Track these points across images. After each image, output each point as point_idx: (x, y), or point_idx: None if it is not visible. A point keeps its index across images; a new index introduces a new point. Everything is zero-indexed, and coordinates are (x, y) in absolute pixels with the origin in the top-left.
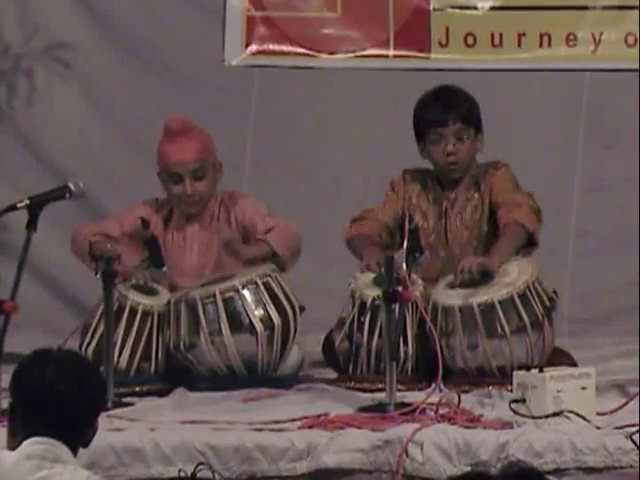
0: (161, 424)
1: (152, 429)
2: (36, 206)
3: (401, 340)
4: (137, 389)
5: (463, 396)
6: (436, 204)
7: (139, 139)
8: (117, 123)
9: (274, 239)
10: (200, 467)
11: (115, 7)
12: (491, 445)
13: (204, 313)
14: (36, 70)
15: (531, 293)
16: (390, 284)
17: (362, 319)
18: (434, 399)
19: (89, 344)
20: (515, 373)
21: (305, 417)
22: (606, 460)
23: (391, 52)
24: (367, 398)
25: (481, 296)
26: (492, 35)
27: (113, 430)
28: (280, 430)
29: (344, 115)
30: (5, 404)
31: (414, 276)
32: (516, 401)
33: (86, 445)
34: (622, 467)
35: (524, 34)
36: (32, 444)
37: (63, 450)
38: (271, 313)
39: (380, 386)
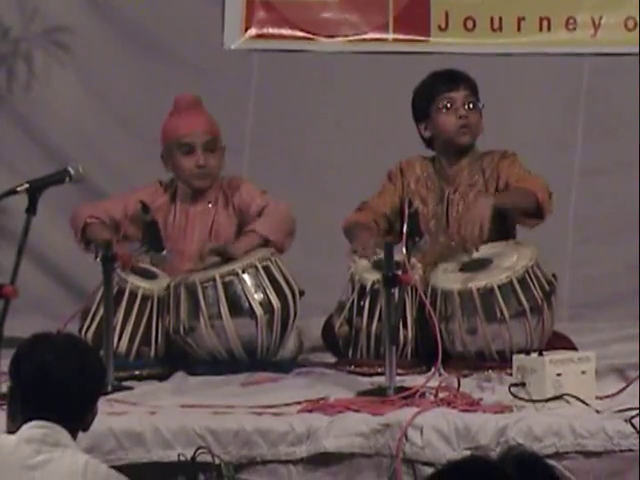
0: (161, 408)
1: (152, 413)
2: (35, 190)
3: (400, 324)
4: (137, 373)
5: (463, 380)
6: (437, 189)
7: (138, 123)
8: (116, 107)
9: (263, 227)
10: (200, 451)
11: None
12: (491, 429)
13: (204, 297)
14: (35, 54)
15: (530, 278)
16: (389, 268)
17: (362, 303)
18: (434, 383)
19: (89, 328)
20: (515, 357)
21: (305, 401)
22: (605, 444)
23: (390, 36)
24: (367, 382)
25: (480, 280)
26: (492, 19)
27: (113, 414)
28: (280, 414)
29: (343, 99)
30: (5, 388)
31: (413, 260)
32: (516, 385)
33: (86, 429)
34: (621, 451)
35: (524, 18)
36: (31, 428)
37: (62, 434)
38: (271, 297)
39: (380, 370)
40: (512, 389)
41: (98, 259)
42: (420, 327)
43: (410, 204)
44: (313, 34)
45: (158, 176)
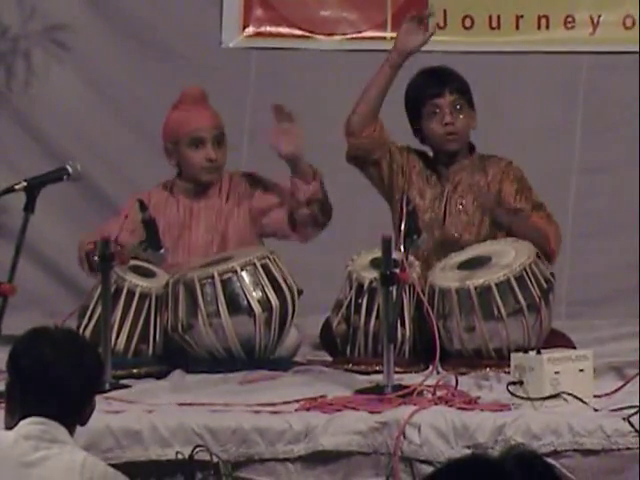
0: (159, 406)
1: (150, 411)
2: (33, 188)
3: (398, 322)
4: (134, 371)
5: (460, 378)
6: (436, 185)
7: (137, 121)
8: (115, 105)
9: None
10: (198, 449)
11: None
12: (488, 427)
13: (202, 294)
14: (34, 52)
15: (528, 276)
16: (387, 266)
17: (359, 301)
18: (431, 381)
19: (86, 326)
20: (512, 355)
21: (303, 399)
22: (603, 442)
23: (388, 34)
24: (364, 380)
25: (478, 278)
26: (490, 17)
27: (111, 412)
28: (278, 412)
29: (341, 97)
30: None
31: (411, 258)
32: (513, 383)
33: (83, 423)
34: (619, 449)
35: (522, 16)
36: (29, 424)
37: (60, 431)
38: (269, 295)
39: (377, 368)
40: (510, 387)
41: (96, 257)
42: (418, 325)
43: (408, 202)
44: (311, 32)
45: (158, 173)
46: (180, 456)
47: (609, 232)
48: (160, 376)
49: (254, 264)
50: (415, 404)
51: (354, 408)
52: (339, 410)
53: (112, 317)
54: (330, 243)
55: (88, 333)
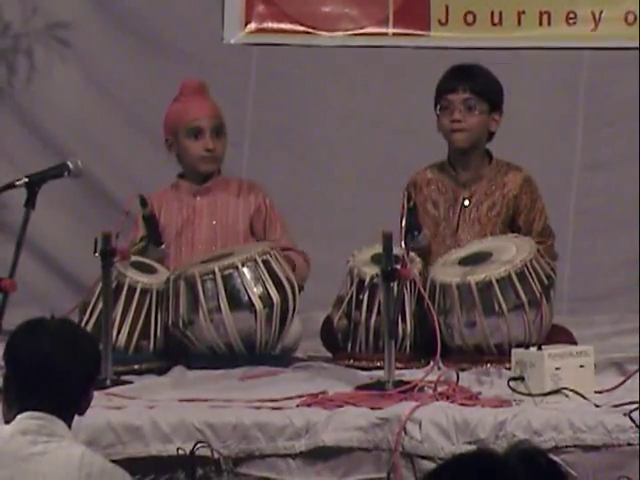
0: (159, 402)
1: (150, 407)
2: (34, 184)
3: (399, 318)
4: (135, 367)
5: (461, 374)
6: (450, 193)
7: (138, 117)
8: (116, 101)
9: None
10: (199, 445)
11: None
12: (489, 423)
13: (203, 290)
14: (36, 49)
15: (529, 271)
16: (388, 262)
17: (360, 297)
18: (432, 377)
19: (87, 322)
20: (513, 351)
21: (303, 395)
22: (604, 438)
23: (390, 30)
24: (365, 376)
25: (479, 274)
26: (492, 13)
27: (111, 408)
28: (278, 408)
29: (343, 93)
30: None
31: (412, 254)
32: (514, 379)
33: (81, 413)
34: (620, 445)
35: (524, 12)
36: (27, 419)
37: (58, 425)
38: (270, 291)
39: (378, 364)
40: (511, 383)
41: (97, 253)
42: (419, 321)
43: (409, 198)
44: (313, 28)
45: (159, 169)
46: (181, 452)
47: (610, 229)
48: (161, 372)
49: (255, 260)
50: (416, 400)
51: (355, 404)
52: (340, 406)
53: (113, 313)
54: (331, 239)
55: (89, 329)
